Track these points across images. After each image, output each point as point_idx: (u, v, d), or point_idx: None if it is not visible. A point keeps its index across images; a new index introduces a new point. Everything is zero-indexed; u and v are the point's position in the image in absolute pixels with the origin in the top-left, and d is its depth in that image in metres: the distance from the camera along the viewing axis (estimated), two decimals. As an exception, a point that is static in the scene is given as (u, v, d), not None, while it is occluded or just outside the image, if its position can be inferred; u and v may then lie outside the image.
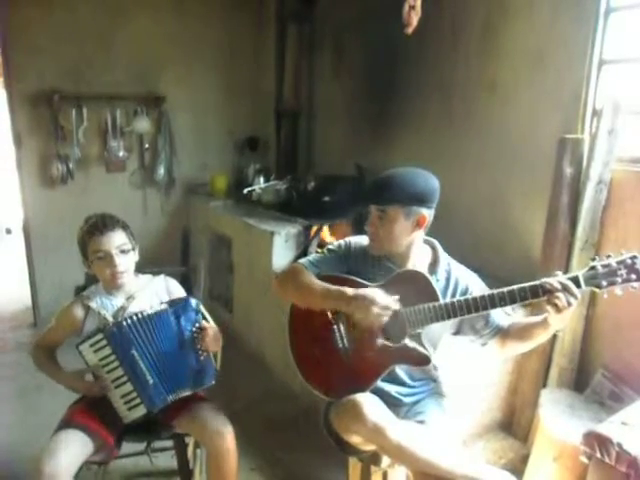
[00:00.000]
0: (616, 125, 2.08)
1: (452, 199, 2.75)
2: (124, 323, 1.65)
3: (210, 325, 1.76)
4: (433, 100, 2.92)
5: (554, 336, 2.25)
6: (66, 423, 1.62)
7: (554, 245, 2.23)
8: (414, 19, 2.22)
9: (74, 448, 1.54)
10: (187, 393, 1.72)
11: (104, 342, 1.63)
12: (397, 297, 1.51)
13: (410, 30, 2.24)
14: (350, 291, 1.52)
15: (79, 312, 1.75)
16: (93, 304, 1.75)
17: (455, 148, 2.81)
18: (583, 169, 2.18)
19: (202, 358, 1.71)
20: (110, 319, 1.72)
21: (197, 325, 1.73)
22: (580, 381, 2.28)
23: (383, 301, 1.48)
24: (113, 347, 1.63)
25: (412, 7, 2.20)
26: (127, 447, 1.82)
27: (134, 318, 1.66)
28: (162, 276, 1.91)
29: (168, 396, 1.69)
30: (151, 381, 1.66)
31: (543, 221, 2.30)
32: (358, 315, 1.51)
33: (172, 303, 1.73)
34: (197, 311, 1.74)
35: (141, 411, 1.66)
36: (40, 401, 2.71)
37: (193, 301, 1.74)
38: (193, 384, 1.72)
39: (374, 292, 1.50)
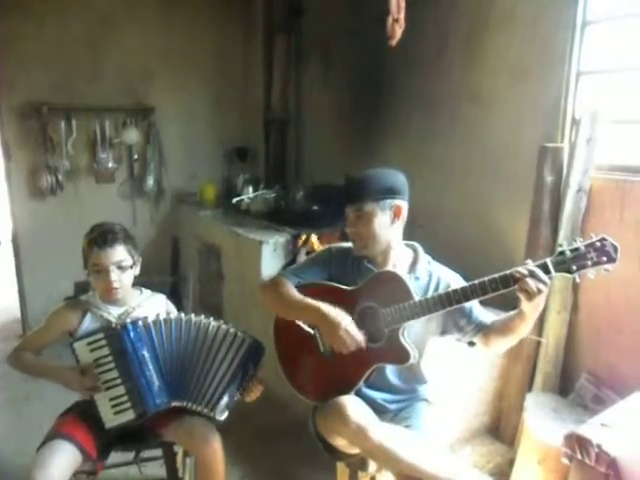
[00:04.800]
0: (594, 134, 2.14)
1: (437, 207, 2.81)
2: (140, 323, 1.67)
3: (260, 387, 1.76)
4: (418, 110, 2.97)
5: (538, 342, 2.29)
6: (55, 434, 1.61)
7: (537, 251, 2.27)
8: (398, 32, 2.27)
9: (64, 458, 1.54)
10: (194, 408, 1.70)
11: (103, 342, 1.64)
12: (363, 336, 1.56)
13: (394, 42, 2.29)
14: (323, 310, 1.56)
15: (75, 313, 1.76)
16: (93, 307, 1.77)
17: (440, 157, 2.85)
18: (563, 177, 2.23)
19: (235, 398, 1.70)
20: (114, 321, 1.74)
21: (256, 371, 1.73)
22: (565, 385, 2.32)
23: (348, 331, 1.53)
24: (112, 348, 1.64)
25: (395, 20, 2.25)
26: (116, 457, 1.82)
27: (161, 318, 1.70)
28: (164, 297, 1.93)
29: (170, 402, 1.68)
30: (157, 384, 1.66)
31: (526, 228, 2.34)
32: (324, 334, 1.60)
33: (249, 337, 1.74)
34: (260, 362, 1.74)
35: (128, 416, 1.64)
36: (29, 411, 2.69)
37: (264, 349, 1.75)
38: (207, 406, 1.68)
39: (344, 318, 1.55)
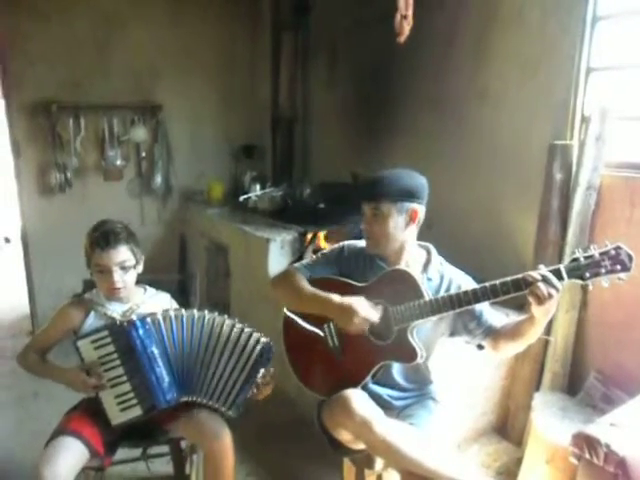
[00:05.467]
0: (604, 131, 2.12)
1: (447, 205, 2.79)
2: (148, 319, 1.66)
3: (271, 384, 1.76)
4: (426, 108, 2.95)
5: (546, 341, 2.27)
6: (62, 430, 1.61)
7: (546, 249, 2.27)
8: (406, 28, 2.25)
9: (71, 455, 1.54)
10: (210, 404, 1.70)
11: (108, 339, 1.63)
12: (379, 309, 1.57)
13: (402, 39, 2.27)
14: (336, 299, 1.58)
15: (79, 311, 1.76)
16: (97, 305, 1.77)
17: (449, 154, 2.84)
18: (573, 174, 2.21)
19: (247, 395, 1.69)
20: (118, 318, 1.74)
21: (268, 371, 1.72)
22: (573, 385, 2.31)
23: (364, 312, 1.54)
24: (117, 345, 1.63)
25: (404, 17, 2.24)
26: (124, 453, 1.83)
27: (172, 314, 1.69)
28: (168, 295, 1.93)
29: (181, 397, 1.68)
30: (167, 380, 1.66)
31: (535, 225, 2.33)
32: (340, 323, 1.60)
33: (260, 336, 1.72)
34: (270, 361, 1.72)
35: (135, 412, 1.64)
36: (37, 408, 2.72)
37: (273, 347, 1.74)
38: (224, 404, 1.68)
39: (358, 302, 1.56)
